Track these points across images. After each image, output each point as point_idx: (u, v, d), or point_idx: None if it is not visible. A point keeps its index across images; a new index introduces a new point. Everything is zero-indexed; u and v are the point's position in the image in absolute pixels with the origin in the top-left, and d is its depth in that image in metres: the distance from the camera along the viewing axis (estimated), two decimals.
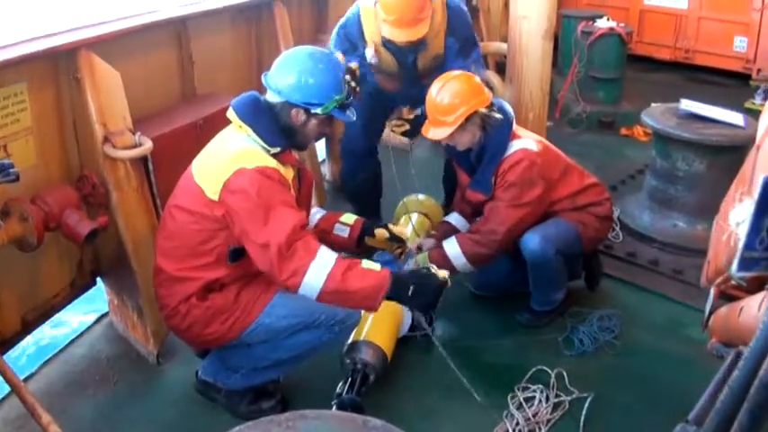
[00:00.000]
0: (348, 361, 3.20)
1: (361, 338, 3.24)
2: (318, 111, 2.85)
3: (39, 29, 3.27)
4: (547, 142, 3.79)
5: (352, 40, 3.99)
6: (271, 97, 2.89)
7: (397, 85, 4.23)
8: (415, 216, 4.22)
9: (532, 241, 3.57)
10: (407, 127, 4.14)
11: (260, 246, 2.69)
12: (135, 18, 3.71)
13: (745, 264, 1.57)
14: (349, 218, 3.49)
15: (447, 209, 4.36)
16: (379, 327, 3.33)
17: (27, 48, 3.03)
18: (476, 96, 3.47)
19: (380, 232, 3.45)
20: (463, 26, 3.83)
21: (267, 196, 2.69)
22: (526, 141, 3.60)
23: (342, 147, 4.40)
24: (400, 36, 3.75)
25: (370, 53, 3.93)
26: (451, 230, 3.88)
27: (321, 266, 2.67)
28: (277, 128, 2.86)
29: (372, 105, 4.20)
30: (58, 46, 3.12)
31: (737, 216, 1.66)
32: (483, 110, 3.45)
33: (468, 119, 3.45)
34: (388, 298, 2.78)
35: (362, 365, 3.15)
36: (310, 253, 2.68)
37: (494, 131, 3.53)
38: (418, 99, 3.91)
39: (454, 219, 3.98)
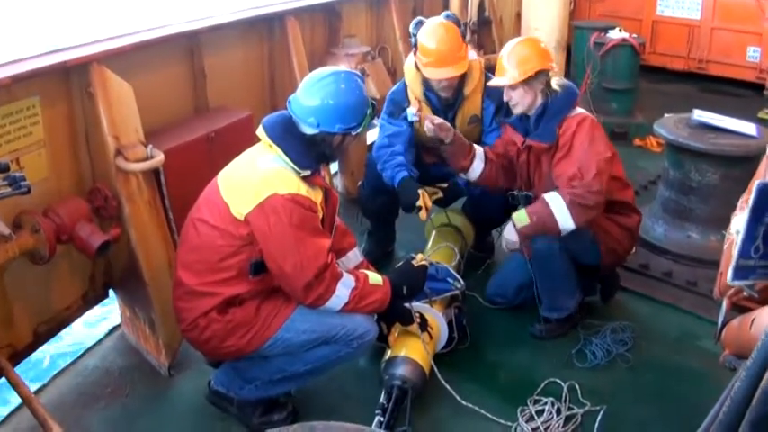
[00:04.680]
0: (387, 377, 3.21)
1: (401, 354, 3.25)
2: (359, 130, 2.93)
3: (51, 43, 3.31)
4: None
5: (400, 104, 4.15)
6: (306, 129, 2.89)
7: (435, 159, 4.34)
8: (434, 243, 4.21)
9: (538, 237, 3.57)
10: (441, 195, 4.18)
11: (288, 273, 2.79)
12: (147, 33, 3.75)
13: (740, 272, 1.56)
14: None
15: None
16: (418, 343, 3.31)
17: (39, 62, 3.07)
18: (547, 59, 3.59)
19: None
20: (498, 90, 3.88)
21: (298, 224, 2.76)
22: (586, 112, 3.66)
23: (369, 161, 4.39)
24: (440, 74, 3.90)
25: (412, 110, 4.08)
26: None
27: (343, 291, 2.89)
28: (307, 150, 2.89)
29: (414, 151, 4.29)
30: (71, 60, 3.16)
31: (738, 224, 1.65)
32: (550, 73, 3.57)
33: (535, 76, 3.51)
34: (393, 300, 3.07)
35: (401, 381, 3.16)
36: (335, 280, 2.87)
37: (560, 94, 3.59)
38: (453, 176, 4.24)
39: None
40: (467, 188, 4.22)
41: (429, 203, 3.89)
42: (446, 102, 4.06)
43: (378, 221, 4.61)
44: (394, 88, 4.29)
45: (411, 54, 4.17)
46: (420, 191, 3.84)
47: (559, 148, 3.56)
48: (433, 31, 3.92)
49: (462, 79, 3.99)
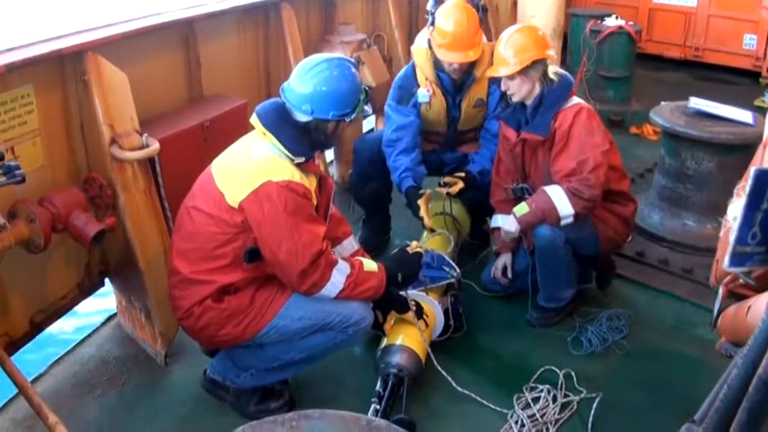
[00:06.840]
0: (383, 365, 3.21)
1: (397, 342, 3.26)
2: (353, 116, 2.93)
3: (46, 31, 3.28)
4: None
5: (409, 88, 4.15)
6: (300, 117, 2.90)
7: (434, 146, 4.35)
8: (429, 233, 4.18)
9: (544, 227, 3.56)
10: (461, 185, 4.05)
11: (282, 260, 2.79)
12: (141, 20, 3.72)
13: (737, 258, 1.56)
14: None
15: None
16: (413, 331, 3.31)
17: (34, 50, 3.04)
18: (545, 48, 3.57)
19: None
20: None
21: (292, 211, 2.76)
22: (581, 101, 3.65)
23: (355, 149, 4.39)
24: (452, 57, 3.90)
25: (423, 91, 4.09)
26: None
27: (338, 278, 2.89)
28: (301, 137, 2.89)
29: None
30: (65, 48, 3.13)
31: (735, 211, 1.65)
32: (547, 62, 3.56)
33: (532, 65, 3.50)
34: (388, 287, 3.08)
35: (398, 369, 3.17)
36: (330, 268, 2.87)
37: (556, 84, 3.58)
38: (449, 164, 4.35)
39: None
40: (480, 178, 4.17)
41: (426, 210, 3.92)
42: (457, 83, 4.05)
43: (370, 208, 4.61)
44: (401, 74, 4.27)
45: (420, 34, 4.17)
46: (420, 201, 3.89)
47: (556, 141, 3.54)
48: (451, 13, 3.90)
49: (473, 62, 3.98)
